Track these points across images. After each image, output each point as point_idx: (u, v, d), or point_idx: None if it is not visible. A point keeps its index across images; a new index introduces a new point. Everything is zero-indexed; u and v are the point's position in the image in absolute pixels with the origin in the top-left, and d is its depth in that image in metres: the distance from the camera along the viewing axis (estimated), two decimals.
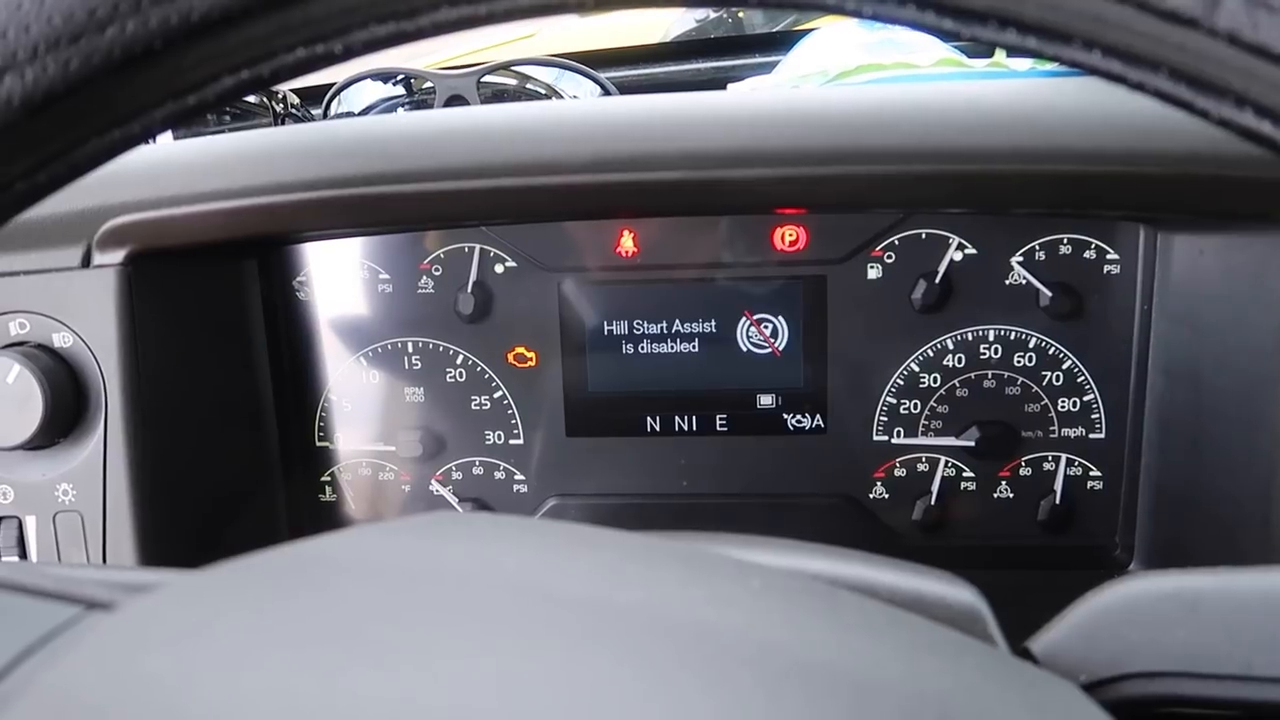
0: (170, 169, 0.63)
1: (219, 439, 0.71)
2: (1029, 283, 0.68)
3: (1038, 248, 0.68)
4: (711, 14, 1.13)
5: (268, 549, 0.30)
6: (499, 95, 0.91)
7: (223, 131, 0.89)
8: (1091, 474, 0.71)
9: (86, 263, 0.62)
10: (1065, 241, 0.67)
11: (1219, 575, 0.35)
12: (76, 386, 0.62)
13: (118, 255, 0.62)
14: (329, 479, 0.78)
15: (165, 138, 0.73)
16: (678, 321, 0.72)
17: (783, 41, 0.99)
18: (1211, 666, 0.33)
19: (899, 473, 0.72)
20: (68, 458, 0.63)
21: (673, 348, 0.72)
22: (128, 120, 0.28)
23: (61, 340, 0.63)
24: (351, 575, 0.28)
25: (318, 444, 0.77)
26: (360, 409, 0.76)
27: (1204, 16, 0.23)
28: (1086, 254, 0.67)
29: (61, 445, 0.63)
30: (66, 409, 0.62)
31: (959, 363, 0.70)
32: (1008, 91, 0.59)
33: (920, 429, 0.71)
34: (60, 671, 0.24)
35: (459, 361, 0.74)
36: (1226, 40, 0.23)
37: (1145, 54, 0.25)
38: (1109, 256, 0.67)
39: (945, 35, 0.26)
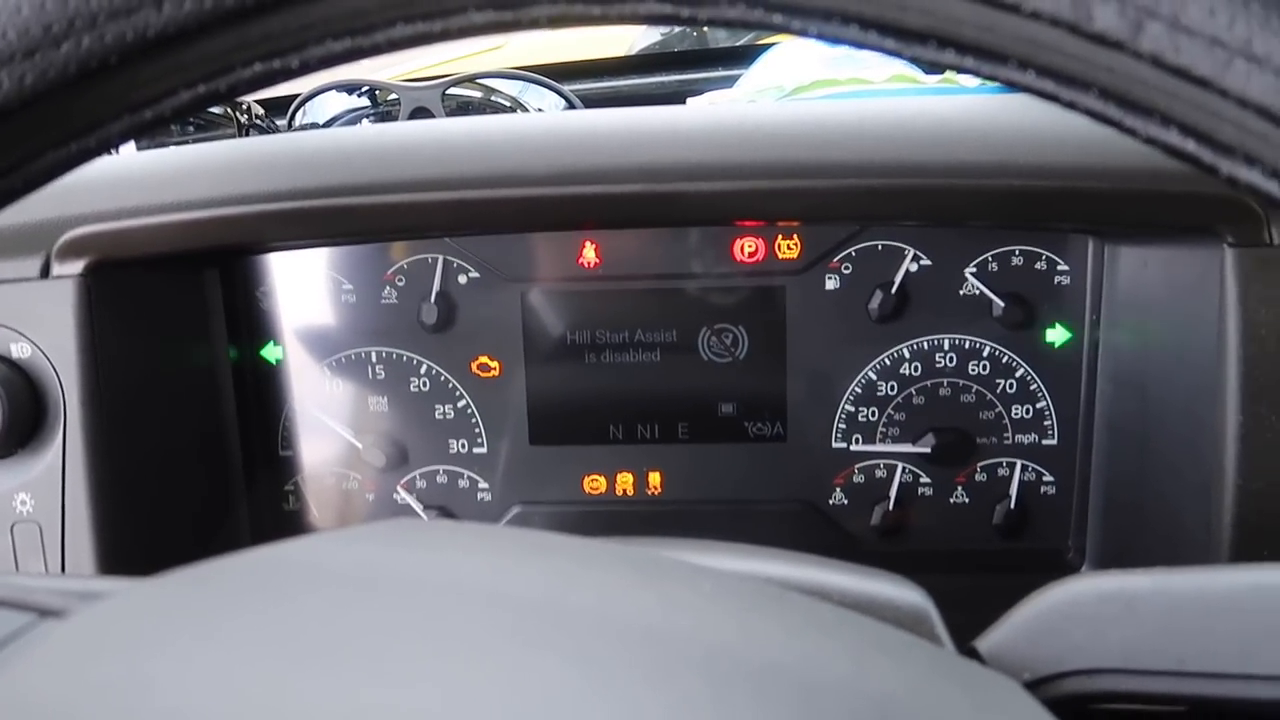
0: (131, 180, 0.63)
1: (180, 449, 0.71)
2: (982, 293, 0.69)
3: (990, 259, 0.69)
4: (675, 28, 1.15)
5: (224, 556, 0.30)
6: (464, 107, 0.91)
7: (186, 142, 0.89)
8: (1044, 479, 0.72)
9: (45, 273, 0.62)
10: (1017, 253, 0.69)
11: (1154, 575, 0.36)
12: (35, 397, 0.62)
13: (77, 266, 0.62)
14: (292, 488, 0.78)
15: (128, 148, 0.73)
16: (639, 331, 0.72)
17: (745, 55, 1.01)
18: (1147, 663, 0.34)
19: (858, 479, 0.74)
20: (25, 468, 0.63)
21: (635, 357, 0.73)
22: (84, 134, 0.28)
23: (20, 350, 0.62)
24: (305, 581, 0.28)
25: (281, 453, 0.77)
26: (324, 418, 0.76)
27: (1129, 39, 0.24)
28: (1038, 265, 0.69)
29: (19, 456, 0.63)
30: (24, 419, 0.61)
31: (915, 371, 0.71)
32: (958, 107, 0.60)
33: (878, 436, 0.73)
34: (12, 679, 0.25)
35: (423, 371, 0.74)
36: (1151, 62, 0.24)
37: (1076, 74, 0.26)
38: (1059, 267, 0.69)
39: (889, 54, 0.27)
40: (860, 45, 0.27)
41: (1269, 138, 0.24)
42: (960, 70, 0.27)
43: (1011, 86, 0.27)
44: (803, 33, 0.27)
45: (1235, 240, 0.55)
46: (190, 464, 0.72)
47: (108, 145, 0.29)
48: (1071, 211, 0.59)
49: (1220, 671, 0.34)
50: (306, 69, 0.28)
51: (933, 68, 0.27)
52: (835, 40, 0.27)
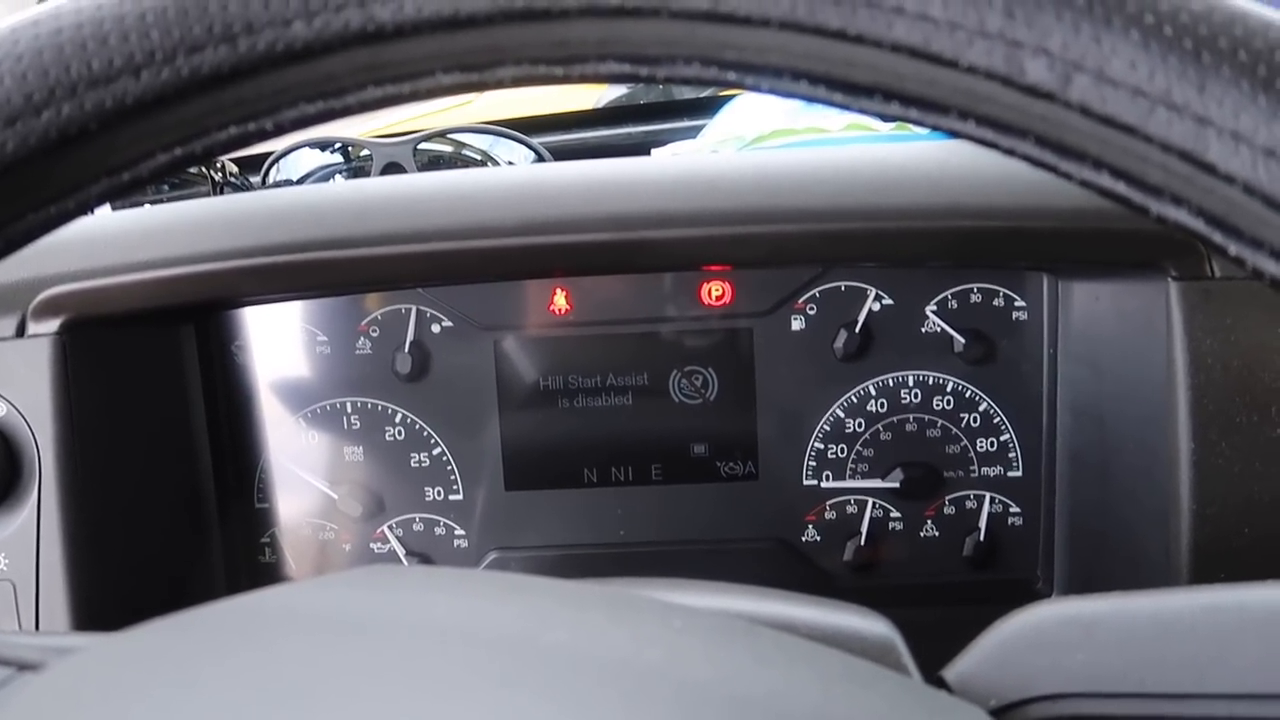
0: (107, 239, 0.64)
1: (156, 505, 0.71)
2: (943, 330, 0.71)
3: (950, 297, 0.71)
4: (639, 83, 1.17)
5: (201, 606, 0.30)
6: (435, 162, 0.93)
7: (161, 201, 0.90)
8: (1011, 510, 0.74)
9: (21, 332, 0.62)
10: (975, 290, 0.71)
11: (1112, 599, 0.37)
12: (10, 455, 0.62)
13: (53, 324, 0.62)
14: (268, 540, 0.78)
15: (103, 208, 0.73)
16: (611, 375, 0.73)
17: (709, 106, 1.03)
18: (1109, 685, 0.35)
19: (829, 515, 0.75)
20: (0, 527, 0.63)
21: (607, 401, 0.74)
22: (63, 196, 0.29)
23: None
24: (283, 626, 0.29)
25: (257, 505, 0.77)
26: (299, 470, 0.76)
27: (1059, 91, 0.25)
28: (996, 301, 0.71)
29: None
30: None
31: (881, 408, 0.73)
32: (912, 153, 0.62)
33: (848, 472, 0.74)
34: None
35: (398, 420, 0.75)
36: (1080, 111, 0.25)
37: (1013, 123, 0.27)
38: (1017, 304, 0.71)
39: (838, 107, 0.29)
40: (811, 99, 0.29)
41: (1192, 179, 0.26)
42: (906, 121, 0.28)
43: (955, 135, 0.28)
44: (756, 88, 0.29)
45: (1178, 274, 0.57)
46: (166, 519, 0.72)
47: (87, 207, 0.30)
48: (1022, 250, 0.61)
49: (1178, 692, 0.35)
50: (281, 130, 0.30)
51: (884, 117, 0.29)
52: (788, 95, 0.29)
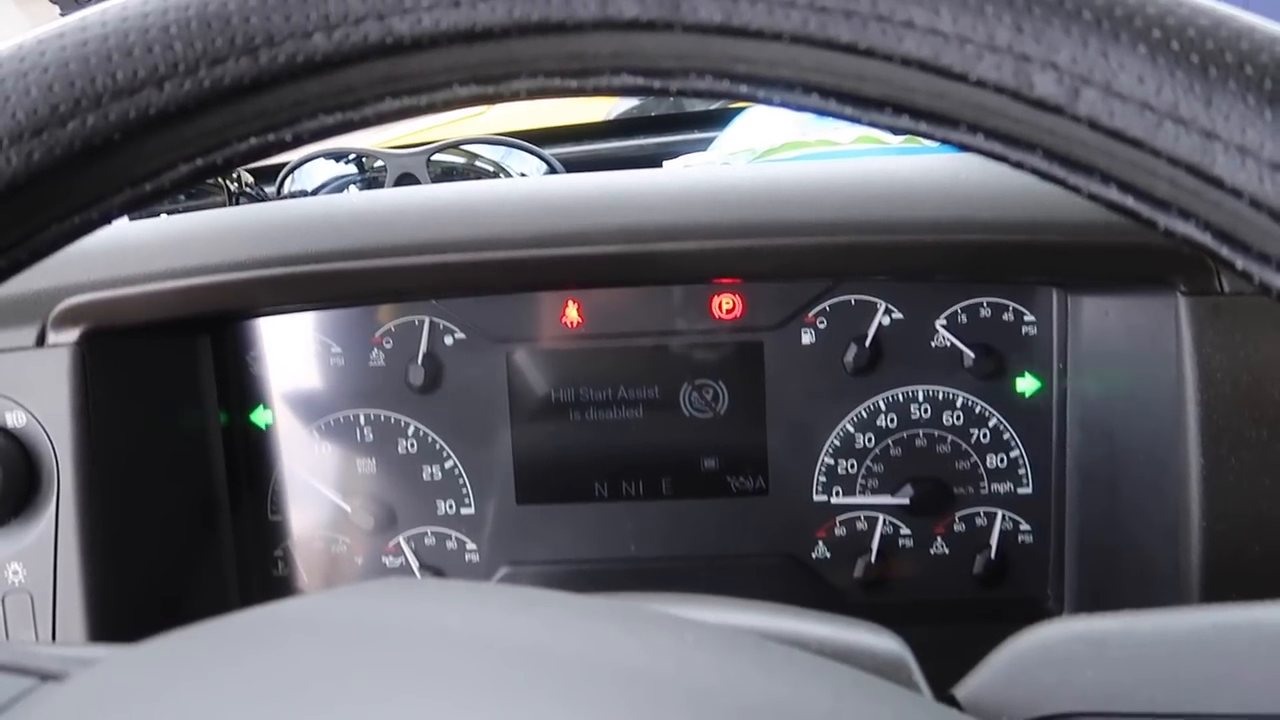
0: (125, 249, 0.64)
1: (171, 516, 0.71)
2: (953, 344, 0.71)
3: (960, 311, 0.71)
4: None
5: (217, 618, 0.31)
6: (448, 173, 0.93)
7: (178, 211, 0.91)
8: (1022, 528, 0.73)
9: (41, 342, 0.63)
10: (985, 305, 0.71)
11: (1122, 618, 0.37)
12: (29, 465, 0.62)
13: (72, 334, 0.63)
14: (281, 553, 0.78)
15: (121, 219, 0.74)
16: (622, 388, 0.74)
17: (719, 119, 1.04)
18: (1118, 705, 0.35)
19: (839, 532, 0.74)
20: (18, 538, 0.63)
21: (618, 414, 0.74)
22: (86, 207, 0.30)
23: (15, 420, 0.63)
24: (299, 637, 0.29)
25: (270, 518, 0.78)
26: (313, 482, 0.77)
27: (1067, 104, 0.26)
28: (1005, 316, 0.71)
29: (12, 525, 0.63)
30: (19, 488, 0.62)
31: (891, 423, 0.73)
32: (922, 166, 0.63)
33: (858, 488, 0.74)
34: None
35: (410, 432, 0.75)
36: (1088, 125, 0.26)
37: (1022, 137, 0.27)
38: (1026, 318, 0.71)
39: (849, 120, 0.29)
40: (822, 113, 0.29)
41: (1199, 193, 0.26)
42: (916, 134, 0.29)
43: (965, 148, 0.28)
44: (767, 101, 0.29)
45: (1188, 289, 0.57)
46: (181, 531, 0.72)
47: (109, 217, 0.30)
48: (1032, 263, 0.61)
49: (1189, 712, 0.35)
50: (300, 141, 0.30)
51: (894, 130, 0.29)
52: (798, 108, 0.29)
